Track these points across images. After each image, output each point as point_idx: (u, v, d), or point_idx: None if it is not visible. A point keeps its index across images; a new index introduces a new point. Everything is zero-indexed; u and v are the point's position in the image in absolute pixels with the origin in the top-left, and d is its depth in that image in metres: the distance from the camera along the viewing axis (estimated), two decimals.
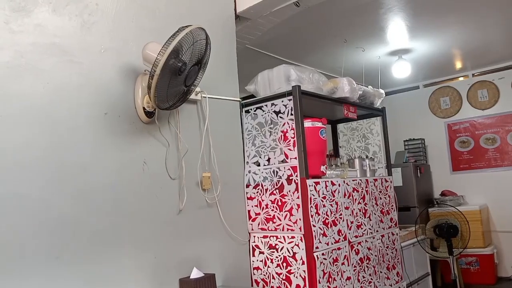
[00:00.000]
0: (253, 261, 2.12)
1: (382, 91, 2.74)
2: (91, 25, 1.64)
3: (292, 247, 1.96)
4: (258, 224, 2.11)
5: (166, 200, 1.80)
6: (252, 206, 2.14)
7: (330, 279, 1.97)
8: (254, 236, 2.12)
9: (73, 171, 1.51)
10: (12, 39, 1.42)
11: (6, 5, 1.42)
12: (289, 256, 1.97)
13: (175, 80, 1.63)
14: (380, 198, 2.53)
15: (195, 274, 1.74)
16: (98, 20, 1.67)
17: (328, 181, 2.08)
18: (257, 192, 2.12)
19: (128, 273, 1.62)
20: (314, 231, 1.92)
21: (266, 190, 2.08)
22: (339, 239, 2.09)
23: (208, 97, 1.99)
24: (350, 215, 2.21)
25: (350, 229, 2.18)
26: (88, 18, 1.64)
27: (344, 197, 2.19)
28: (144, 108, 1.73)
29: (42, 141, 1.45)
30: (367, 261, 2.29)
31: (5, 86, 1.39)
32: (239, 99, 2.21)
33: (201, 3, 2.09)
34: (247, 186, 2.16)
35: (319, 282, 1.89)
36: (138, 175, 1.71)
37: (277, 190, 2.04)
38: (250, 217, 2.14)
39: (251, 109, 2.20)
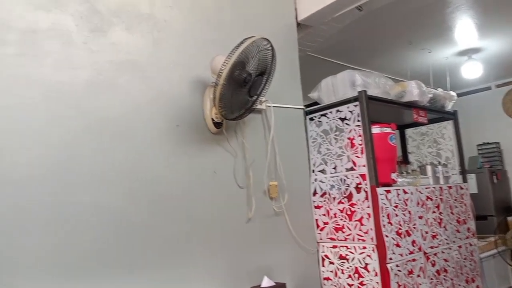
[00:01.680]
0: (323, 271, 2.08)
1: (453, 93, 2.62)
2: (161, 41, 1.72)
3: (364, 258, 1.91)
4: (327, 234, 2.08)
5: (235, 208, 1.82)
6: (320, 215, 2.11)
7: None
8: (323, 246, 2.09)
9: (147, 181, 1.58)
10: (91, 58, 1.52)
11: (85, 26, 1.52)
12: (361, 267, 1.92)
13: (239, 90, 1.67)
14: (456, 207, 2.40)
15: (266, 283, 1.75)
16: (167, 36, 1.75)
17: (399, 189, 2.01)
18: (325, 201, 2.09)
19: (200, 280, 1.66)
20: (386, 241, 1.86)
21: (334, 198, 2.05)
22: (414, 250, 2.01)
23: (273, 106, 2.01)
24: (424, 224, 2.12)
25: (425, 240, 2.09)
26: (158, 35, 1.72)
27: (417, 205, 2.11)
28: (212, 119, 1.78)
29: (119, 154, 1.53)
30: (444, 273, 2.17)
31: (86, 102, 1.48)
32: (303, 107, 2.21)
33: (263, 14, 2.13)
34: (314, 194, 2.14)
35: None
36: (208, 184, 1.76)
37: (345, 199, 2.00)
38: (318, 226, 2.12)
39: (315, 117, 2.19)
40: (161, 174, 1.63)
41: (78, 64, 1.48)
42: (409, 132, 2.89)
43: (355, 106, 1.99)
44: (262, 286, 1.75)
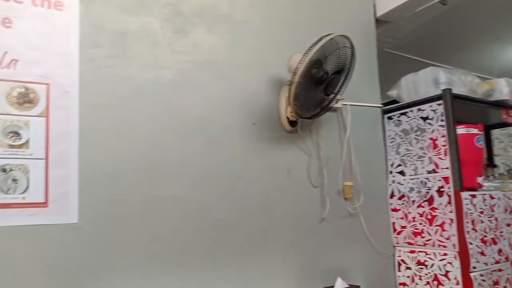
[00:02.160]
0: (398, 277, 2.01)
1: None
2: (239, 41, 1.76)
3: (444, 265, 1.82)
4: (404, 238, 2.00)
5: (309, 207, 1.82)
6: (397, 218, 2.04)
7: None
8: (400, 250, 2.01)
9: (227, 178, 1.63)
10: (175, 58, 1.60)
11: (169, 28, 1.60)
12: (440, 274, 1.83)
13: (315, 88, 1.66)
14: None
15: (340, 284, 1.72)
16: (245, 36, 1.78)
17: (486, 194, 1.88)
18: (403, 204, 2.02)
19: (274, 276, 1.68)
20: (470, 249, 1.75)
21: (413, 202, 1.97)
22: (500, 259, 1.88)
23: (349, 105, 1.97)
24: None
25: None
26: (236, 35, 1.76)
27: (505, 212, 1.96)
28: (287, 118, 1.78)
29: (199, 150, 1.59)
30: None
31: (170, 101, 1.56)
32: (380, 105, 2.14)
33: (340, 11, 2.09)
34: (391, 196, 2.07)
35: None
36: (283, 183, 1.77)
37: (426, 203, 1.92)
38: (395, 229, 2.05)
39: (394, 115, 2.12)
40: (238, 171, 1.67)
41: (163, 64, 1.56)
42: (495, 133, 2.70)
43: (439, 105, 1.90)
44: (335, 287, 1.73)
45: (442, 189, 1.85)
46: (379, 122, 2.13)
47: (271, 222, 1.71)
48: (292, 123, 1.80)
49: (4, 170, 1.25)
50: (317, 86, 1.66)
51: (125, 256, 1.41)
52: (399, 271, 2.02)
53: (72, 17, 1.41)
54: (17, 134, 1.28)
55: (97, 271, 1.36)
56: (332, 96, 1.73)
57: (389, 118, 2.14)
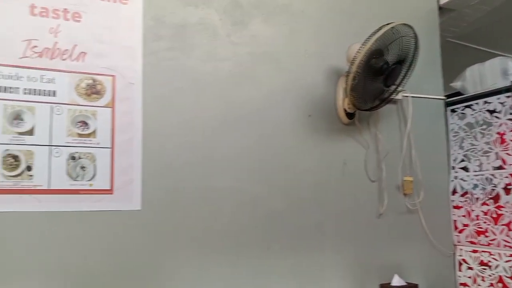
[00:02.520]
0: (459, 276, 1.93)
1: None
2: (297, 31, 1.74)
3: (510, 267, 1.72)
4: (466, 237, 1.92)
5: (366, 202, 1.78)
6: (459, 216, 1.95)
7: None
8: (461, 249, 1.93)
9: (280, 169, 1.63)
10: (233, 50, 1.61)
11: (228, 20, 1.62)
12: (506, 276, 1.74)
13: (374, 79, 1.62)
14: None
15: (397, 281, 1.68)
16: (303, 27, 1.76)
17: None
18: (465, 201, 1.93)
19: (330, 269, 1.67)
20: None
21: (477, 199, 1.88)
22: None
23: (410, 96, 1.90)
24: None
25: None
26: (294, 26, 1.74)
27: None
28: (345, 110, 1.75)
29: (255, 141, 1.60)
30: None
31: (227, 91, 1.58)
32: (443, 97, 2.05)
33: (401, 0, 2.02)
34: (453, 193, 1.98)
35: None
36: (338, 176, 1.74)
37: (491, 200, 1.82)
38: (456, 227, 1.97)
39: (458, 108, 2.02)
40: (293, 163, 1.66)
41: (222, 56, 1.58)
42: None
43: (507, 97, 1.79)
44: (392, 284, 1.69)
45: (509, 187, 1.75)
46: (442, 115, 2.04)
47: (326, 215, 1.70)
48: (350, 115, 1.77)
49: (73, 158, 1.32)
50: (376, 77, 1.62)
51: (182, 244, 1.45)
52: (460, 271, 1.93)
53: (135, 10, 1.46)
54: (85, 123, 1.35)
55: (156, 257, 1.41)
56: (393, 87, 1.68)
57: (453, 111, 2.05)
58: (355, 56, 1.54)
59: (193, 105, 1.52)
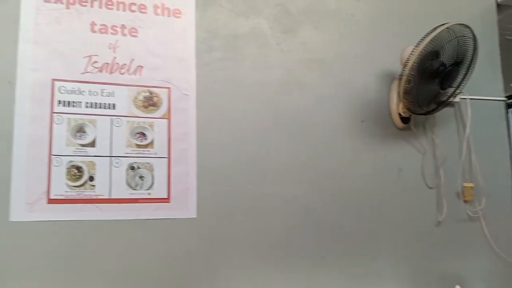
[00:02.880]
0: None
1: None
2: (347, 36, 1.73)
3: None
4: None
5: (423, 209, 1.72)
6: None
7: None
8: None
9: (332, 176, 1.61)
10: (283, 58, 1.62)
11: (278, 28, 1.63)
12: None
13: (429, 82, 1.57)
14: None
15: None
16: (353, 31, 1.74)
17: None
18: None
19: (387, 280, 1.62)
20: None
21: None
22: None
23: (468, 98, 1.83)
24: None
25: None
26: (344, 30, 1.73)
27: None
28: (399, 114, 1.71)
29: (306, 148, 1.60)
30: None
31: (277, 100, 1.59)
32: (504, 99, 1.95)
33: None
34: None
35: None
36: (393, 182, 1.70)
37: None
38: None
39: None
40: (345, 169, 1.64)
41: (272, 64, 1.60)
42: None
43: None
44: None
45: None
46: (503, 117, 1.94)
47: (381, 223, 1.66)
48: (404, 120, 1.72)
49: (132, 168, 1.38)
50: (432, 79, 1.57)
51: (237, 251, 1.47)
52: None
53: (189, 23, 1.50)
54: (143, 134, 1.40)
55: (212, 264, 1.43)
56: (451, 90, 1.62)
57: None
58: (408, 58, 1.51)
59: (245, 113, 1.54)
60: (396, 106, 1.71)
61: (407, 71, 1.52)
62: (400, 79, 1.56)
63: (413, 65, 1.50)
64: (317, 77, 1.66)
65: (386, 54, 1.75)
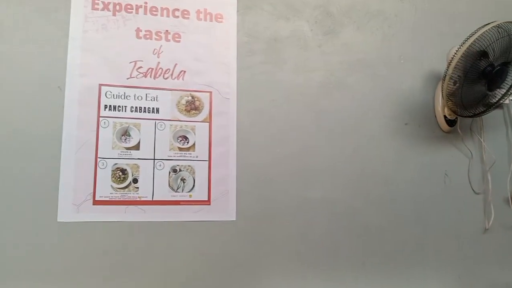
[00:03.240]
0: None
1: None
2: (391, 37, 1.66)
3: None
4: None
5: (470, 216, 1.64)
6: None
7: None
8: None
9: (377, 181, 1.56)
10: (324, 60, 1.58)
11: (319, 30, 1.59)
12: None
13: (476, 83, 1.48)
14: None
15: None
16: (397, 31, 1.67)
17: None
18: None
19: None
20: None
21: None
22: None
23: None
24: None
25: None
26: (388, 31, 1.66)
27: None
28: (445, 117, 1.63)
29: (348, 152, 1.55)
30: None
31: (319, 102, 1.55)
32: None
33: None
34: None
35: None
36: (439, 187, 1.62)
37: None
38: None
39: None
40: (389, 174, 1.58)
41: (313, 67, 1.56)
42: None
43: None
44: None
45: None
46: None
47: (426, 229, 1.58)
48: (450, 123, 1.64)
49: (175, 171, 1.38)
50: (478, 80, 1.48)
51: (276, 255, 1.44)
52: None
53: (230, 27, 1.49)
54: (185, 138, 1.41)
55: (252, 267, 1.42)
56: (500, 92, 1.52)
57: None
58: (452, 58, 1.43)
59: (286, 116, 1.51)
60: (442, 108, 1.63)
61: (450, 71, 1.44)
62: (443, 80, 1.48)
63: (457, 65, 1.43)
64: (359, 79, 1.60)
65: (432, 55, 1.68)
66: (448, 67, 1.45)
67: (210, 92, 1.44)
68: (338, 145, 1.54)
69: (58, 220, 1.28)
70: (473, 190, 1.66)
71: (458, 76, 1.45)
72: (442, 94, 1.52)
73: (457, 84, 1.47)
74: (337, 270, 1.48)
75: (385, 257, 1.53)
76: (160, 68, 1.41)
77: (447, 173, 1.64)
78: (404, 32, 1.68)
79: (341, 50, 1.60)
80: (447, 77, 1.46)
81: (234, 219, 1.42)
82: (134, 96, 1.39)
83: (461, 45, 1.42)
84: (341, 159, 1.54)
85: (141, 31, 1.42)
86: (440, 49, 1.64)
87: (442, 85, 1.49)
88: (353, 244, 1.51)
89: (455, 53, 1.43)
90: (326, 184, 1.51)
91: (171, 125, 1.40)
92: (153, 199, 1.36)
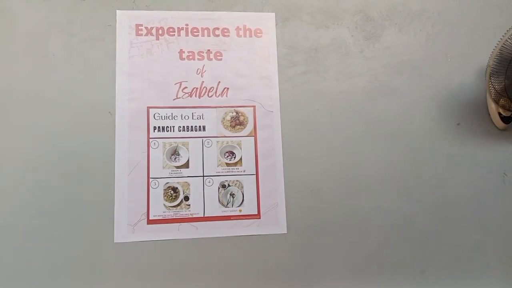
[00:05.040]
0: None
1: None
2: (435, 35, 1.48)
3: None
4: None
5: None
6: None
7: None
8: None
9: (430, 185, 1.39)
10: (367, 65, 1.43)
11: (360, 35, 1.44)
12: None
13: None
14: None
15: None
16: (441, 30, 1.49)
17: None
18: None
19: None
20: None
21: None
22: None
23: None
24: None
25: None
26: (431, 30, 1.49)
27: None
28: (499, 114, 1.42)
29: (397, 156, 1.39)
30: None
31: (364, 108, 1.40)
32: None
33: None
34: None
35: None
36: (498, 188, 1.42)
37: None
38: None
39: None
40: (444, 177, 1.40)
41: (355, 73, 1.42)
42: None
43: None
44: None
45: None
46: None
47: (487, 233, 1.39)
48: (505, 119, 1.43)
49: (224, 186, 1.29)
50: None
51: (330, 266, 1.31)
52: None
53: (270, 41, 1.38)
54: (232, 153, 1.31)
55: (305, 279, 1.30)
56: None
57: None
58: (493, 51, 1.24)
59: (331, 125, 1.38)
60: (495, 105, 1.42)
61: (491, 62, 1.25)
62: (490, 75, 1.30)
63: (496, 57, 1.24)
64: (405, 81, 1.44)
65: (480, 50, 1.48)
66: (489, 61, 1.27)
67: (254, 107, 1.34)
68: (387, 151, 1.39)
69: (115, 241, 1.22)
70: None
71: (498, 68, 1.26)
72: (489, 91, 1.32)
73: (501, 77, 1.27)
74: (395, 280, 1.32)
75: (445, 264, 1.35)
76: (204, 87, 1.33)
77: (506, 172, 1.43)
78: (448, 29, 1.50)
79: (384, 54, 1.44)
80: (488, 70, 1.27)
81: (285, 232, 1.30)
82: (181, 116, 1.31)
83: (504, 35, 1.24)
84: (391, 165, 1.38)
85: (184, 52, 1.34)
86: (488, 43, 1.44)
87: (489, 81, 1.30)
88: (411, 253, 1.34)
89: (497, 44, 1.24)
90: (378, 192, 1.36)
91: (217, 141, 1.31)
92: (205, 216, 1.27)
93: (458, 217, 1.38)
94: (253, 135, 1.33)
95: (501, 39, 1.27)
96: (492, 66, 1.30)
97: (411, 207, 1.36)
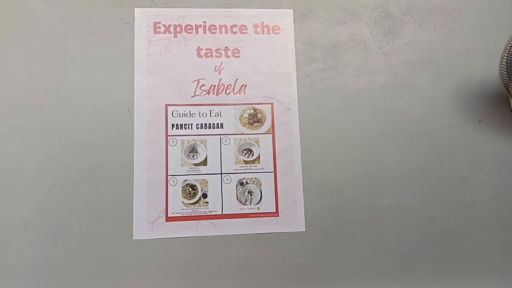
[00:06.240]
0: None
1: None
2: (456, 31, 1.39)
3: None
4: None
5: None
6: None
7: None
8: None
9: (452, 183, 1.29)
10: (386, 62, 1.34)
11: (379, 31, 1.35)
12: None
13: None
14: None
15: None
16: (462, 25, 1.39)
17: None
18: None
19: None
20: None
21: None
22: None
23: None
24: None
25: None
26: (452, 26, 1.39)
27: None
28: None
29: (418, 154, 1.30)
30: None
31: (384, 105, 1.32)
32: None
33: None
34: None
35: None
36: None
37: None
38: None
39: None
40: (465, 175, 1.31)
41: (375, 69, 1.33)
42: None
43: None
44: None
45: None
46: None
47: (510, 233, 1.29)
48: None
49: (241, 184, 1.22)
50: None
51: (350, 265, 1.23)
52: None
53: (288, 38, 1.31)
54: (249, 151, 1.24)
55: (324, 278, 1.22)
56: None
57: None
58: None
59: (349, 122, 1.30)
60: None
61: (504, 53, 1.15)
62: (507, 68, 1.19)
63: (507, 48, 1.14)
64: (425, 78, 1.35)
65: (502, 46, 1.37)
66: (504, 51, 1.17)
67: (272, 104, 1.26)
68: (407, 149, 1.30)
69: (134, 238, 1.16)
70: None
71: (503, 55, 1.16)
72: (501, 82, 1.21)
73: (501, 69, 1.17)
74: (415, 279, 1.24)
75: (467, 264, 1.26)
76: (222, 84, 1.26)
77: None
78: (469, 25, 1.40)
79: (403, 50, 1.35)
80: (500, 62, 1.17)
81: (304, 230, 1.23)
82: (199, 113, 1.25)
83: None
84: (412, 163, 1.29)
85: (201, 50, 1.28)
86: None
87: (502, 75, 1.20)
88: (432, 252, 1.25)
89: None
90: (398, 190, 1.27)
91: (235, 139, 1.24)
92: (223, 213, 1.20)
93: (480, 216, 1.28)
94: (271, 132, 1.25)
95: None
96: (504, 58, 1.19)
97: (432, 205, 1.27)
